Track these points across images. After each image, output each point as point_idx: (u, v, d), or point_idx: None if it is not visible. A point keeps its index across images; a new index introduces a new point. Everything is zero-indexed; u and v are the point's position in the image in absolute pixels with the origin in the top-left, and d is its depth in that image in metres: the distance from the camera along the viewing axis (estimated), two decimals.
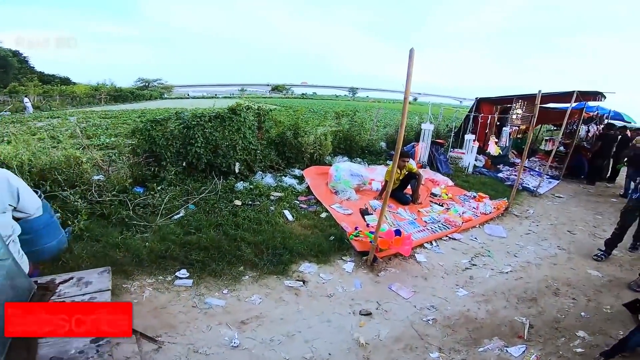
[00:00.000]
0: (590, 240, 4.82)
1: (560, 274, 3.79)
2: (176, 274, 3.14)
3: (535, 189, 6.90)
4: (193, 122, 5.32)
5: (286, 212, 4.58)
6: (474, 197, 5.92)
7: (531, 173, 8.53)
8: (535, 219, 5.53)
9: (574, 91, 6.26)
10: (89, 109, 24.84)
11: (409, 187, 5.49)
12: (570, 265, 4.03)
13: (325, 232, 4.18)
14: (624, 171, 9.44)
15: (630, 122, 13.28)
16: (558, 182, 8.04)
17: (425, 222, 4.75)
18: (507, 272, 3.75)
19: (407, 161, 5.16)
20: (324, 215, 4.67)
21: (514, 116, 7.25)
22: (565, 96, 6.65)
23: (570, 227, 5.31)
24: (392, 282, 3.40)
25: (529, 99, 7.25)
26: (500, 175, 7.82)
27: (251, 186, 5.20)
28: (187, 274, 3.14)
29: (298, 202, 4.99)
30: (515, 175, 7.82)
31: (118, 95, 37.41)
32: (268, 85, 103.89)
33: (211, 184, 5.14)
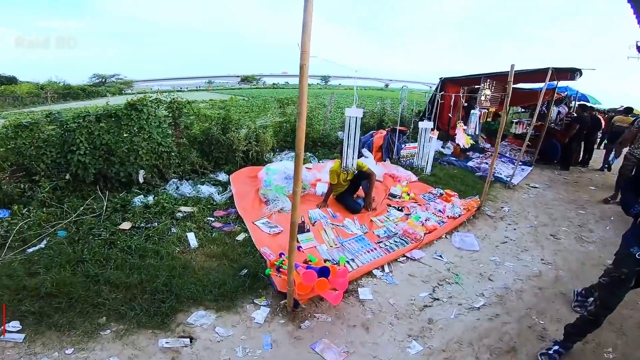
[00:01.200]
0: (578, 247, 3.96)
1: (547, 305, 2.86)
2: (6, 326, 2.26)
3: (508, 179, 6.04)
4: (73, 125, 4.02)
5: (190, 236, 3.42)
6: (441, 194, 4.96)
7: (502, 159, 7.73)
8: (512, 220, 4.64)
9: (548, 68, 5.39)
10: (28, 110, 22.43)
11: (361, 188, 4.46)
12: (559, 288, 3.12)
13: (238, 262, 3.07)
14: (596, 153, 8.95)
15: (595, 104, 12.96)
16: (531, 168, 7.28)
17: (378, 236, 3.73)
18: (478, 308, 2.78)
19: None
20: (241, 237, 3.53)
21: (483, 97, 6.32)
22: (538, 74, 5.77)
23: (552, 228, 4.44)
24: (317, 338, 2.35)
25: (498, 77, 6.34)
26: (470, 164, 6.94)
27: (153, 201, 3.97)
28: (20, 327, 2.28)
29: (212, 220, 3.83)
30: (487, 164, 7.01)
31: (67, 93, 34.39)
32: (237, 76, 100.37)
33: (100, 201, 3.90)
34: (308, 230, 3.68)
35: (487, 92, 6.47)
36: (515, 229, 4.37)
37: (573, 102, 11.01)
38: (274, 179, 4.20)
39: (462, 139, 5.78)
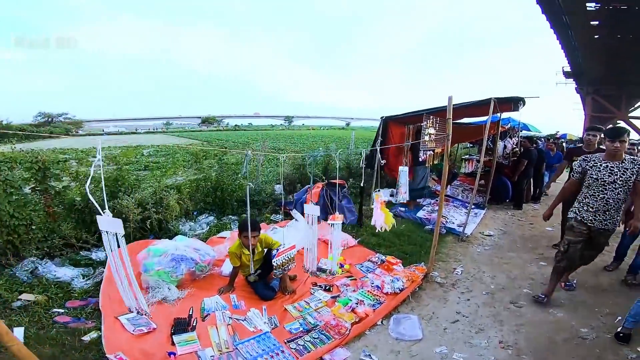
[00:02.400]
0: (544, 317, 3.20)
1: None
2: None
3: (461, 231, 5.38)
4: None
5: (17, 332, 2.34)
6: (382, 262, 4.11)
7: (455, 204, 7.20)
8: (465, 286, 3.85)
9: (490, 99, 4.98)
10: None
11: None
12: None
13: None
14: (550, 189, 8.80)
15: (536, 132, 13.30)
16: (484, 211, 6.76)
17: (290, 332, 2.75)
18: None
19: (256, 236, 3.16)
20: (90, 336, 2.48)
21: (427, 137, 5.80)
22: (481, 106, 5.34)
23: (512, 293, 3.70)
24: None
25: (441, 113, 5.90)
26: (420, 214, 6.25)
27: None
28: None
29: (60, 312, 2.76)
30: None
31: (2, 134, 31.56)
32: (198, 117, 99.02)
33: None
34: (192, 329, 2.64)
35: (431, 130, 5.99)
36: (468, 300, 3.57)
37: (517, 134, 11.14)
38: (157, 262, 3.15)
39: (381, 219, 4.04)
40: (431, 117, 5.83)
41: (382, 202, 3.99)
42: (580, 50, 25.63)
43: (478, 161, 9.40)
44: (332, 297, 3.29)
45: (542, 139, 13.36)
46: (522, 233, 5.68)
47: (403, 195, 4.62)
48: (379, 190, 4.09)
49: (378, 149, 6.28)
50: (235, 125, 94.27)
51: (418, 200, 6.97)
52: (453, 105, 4.91)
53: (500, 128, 7.34)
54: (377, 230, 4.15)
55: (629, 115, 33.58)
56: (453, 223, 5.85)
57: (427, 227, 5.51)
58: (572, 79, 34.92)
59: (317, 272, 3.77)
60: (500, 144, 8.98)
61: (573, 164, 4.21)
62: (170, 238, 3.92)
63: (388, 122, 6.69)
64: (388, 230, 4.07)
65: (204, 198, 5.37)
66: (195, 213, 5.18)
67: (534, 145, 7.88)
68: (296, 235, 4.31)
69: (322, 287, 3.47)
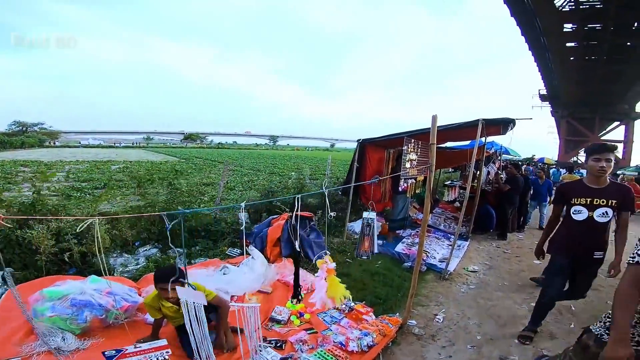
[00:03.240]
0: None
1: None
2: None
3: (443, 267, 4.80)
4: None
5: None
6: (350, 310, 3.46)
7: (436, 235, 6.67)
8: (447, 337, 3.24)
9: (478, 120, 4.53)
10: None
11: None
12: None
13: None
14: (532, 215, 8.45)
15: (516, 157, 13.14)
16: (468, 244, 6.25)
17: None
18: None
19: (173, 288, 2.46)
20: None
21: (407, 164, 5.30)
22: (467, 128, 4.88)
23: (502, 344, 3.13)
24: None
25: (423, 136, 5.43)
26: (398, 248, 5.65)
27: None
28: None
29: None
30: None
31: None
32: (181, 133, 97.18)
33: None
34: None
35: (413, 156, 5.50)
36: (450, 357, 2.95)
37: (499, 158, 10.84)
38: (50, 307, 2.42)
39: (322, 291, 3.03)
40: (412, 140, 5.36)
41: (330, 270, 3.15)
42: (557, 73, 26.41)
43: (462, 188, 9.04)
44: (282, 359, 2.60)
45: (531, 165, 13.26)
46: (509, 267, 5.17)
47: (368, 246, 3.95)
48: (325, 254, 3.31)
49: (353, 177, 5.76)
50: (219, 143, 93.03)
51: (398, 231, 6.41)
52: (437, 127, 4.47)
53: (485, 153, 6.98)
54: (362, 259, 3.51)
55: (602, 138, 34.50)
56: (434, 258, 5.29)
57: (405, 264, 4.90)
58: (547, 102, 35.99)
59: (270, 324, 3.08)
60: (484, 170, 8.63)
61: None
62: (97, 273, 3.18)
63: (365, 146, 6.19)
64: (333, 306, 3.32)
65: (149, 227, 4.63)
66: (137, 244, 4.44)
67: (519, 171, 7.55)
68: (249, 276, 3.65)
69: (272, 344, 2.78)
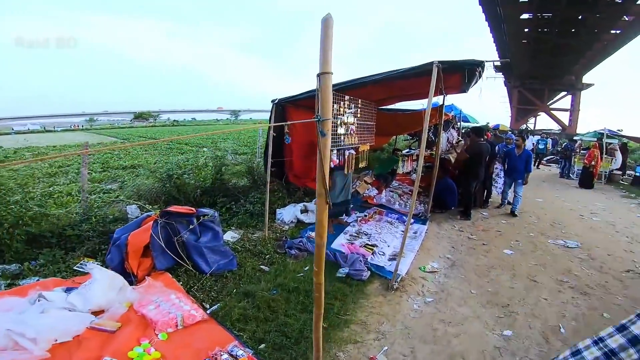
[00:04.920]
0: None
1: None
2: None
3: (392, 270, 3.50)
4: None
5: None
6: None
7: (389, 218, 5.40)
8: None
9: (432, 63, 3.02)
10: None
11: None
12: None
13: None
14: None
15: (475, 124, 12.25)
16: (426, 228, 5.04)
17: None
18: None
19: None
20: None
21: (341, 129, 3.83)
22: (419, 78, 3.32)
23: None
24: None
25: (361, 91, 3.94)
26: (337, 244, 4.23)
27: None
28: None
29: None
30: (366, 235, 4.49)
31: None
32: (131, 112, 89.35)
33: None
34: None
35: (350, 119, 4.02)
36: None
37: (460, 124, 9.73)
38: None
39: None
40: (347, 98, 3.87)
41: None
42: (511, 44, 26.37)
43: (416, 160, 7.83)
44: None
45: (511, 133, 12.44)
46: (476, 263, 3.99)
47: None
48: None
49: (270, 150, 4.22)
50: (174, 120, 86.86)
51: (342, 218, 5.03)
52: (378, 75, 3.02)
53: (443, 116, 5.69)
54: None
55: (550, 107, 36.51)
56: (383, 254, 3.98)
57: (341, 270, 3.50)
58: (501, 73, 36.97)
59: None
60: (443, 136, 7.41)
61: None
62: None
63: (287, 109, 4.60)
64: None
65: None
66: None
67: (484, 139, 6.35)
68: (61, 315, 2.11)
69: None
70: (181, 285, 3.14)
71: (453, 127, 8.11)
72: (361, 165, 4.47)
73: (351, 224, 4.96)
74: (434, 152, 7.61)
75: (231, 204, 5.04)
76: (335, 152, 3.85)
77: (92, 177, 7.39)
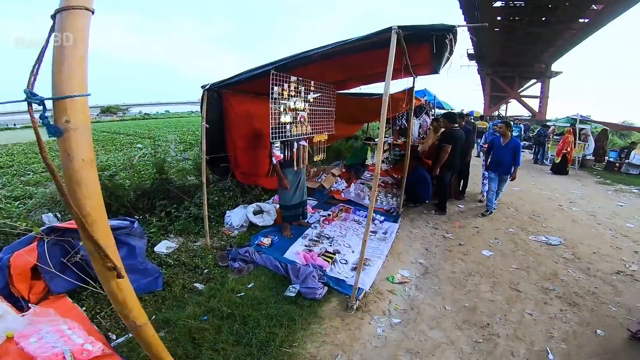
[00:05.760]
0: None
1: None
2: None
3: (352, 285, 2.92)
4: None
5: None
6: None
7: (356, 215, 4.82)
8: None
9: (390, 28, 2.37)
10: None
11: None
12: None
13: None
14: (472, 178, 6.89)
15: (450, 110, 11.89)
16: (397, 227, 4.50)
17: None
18: None
19: None
20: None
21: (286, 117, 3.16)
22: (377, 48, 2.55)
23: None
24: None
25: (313, 67, 3.20)
26: (291, 253, 3.60)
27: None
28: None
29: None
30: (327, 239, 3.87)
31: None
32: (98, 107, 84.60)
33: None
34: None
35: (298, 103, 3.36)
36: None
37: (434, 111, 9.25)
38: None
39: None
40: (292, 78, 3.18)
41: None
42: (484, 33, 26.50)
43: (394, 145, 7.27)
44: None
45: (498, 119, 11.96)
46: (452, 269, 3.47)
47: None
48: None
49: (204, 144, 3.51)
50: (145, 113, 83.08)
51: (306, 220, 4.40)
52: (327, 46, 2.43)
53: (415, 101, 5.14)
54: None
55: (521, 94, 37.92)
56: (345, 263, 3.39)
57: (292, 287, 2.88)
58: (474, 61, 37.98)
59: None
60: (414, 122, 6.89)
61: None
62: None
63: (223, 96, 3.81)
64: None
65: None
66: None
67: (454, 124, 5.76)
68: None
69: None
70: (84, 310, 2.47)
71: (426, 114, 7.62)
72: (317, 158, 3.84)
73: (312, 225, 4.35)
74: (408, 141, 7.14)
75: (172, 208, 4.30)
76: (278, 145, 3.20)
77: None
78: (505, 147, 5.00)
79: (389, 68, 2.26)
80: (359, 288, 2.88)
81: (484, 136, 6.42)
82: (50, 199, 4.03)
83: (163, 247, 3.54)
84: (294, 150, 3.36)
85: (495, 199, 5.36)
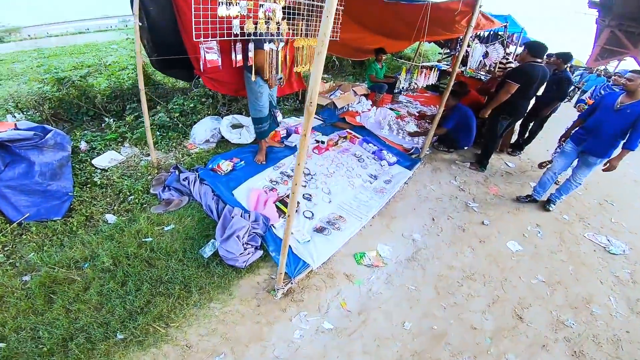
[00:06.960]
0: None
1: None
2: None
3: (301, 258, 2.13)
4: None
5: None
6: None
7: (362, 147, 3.79)
8: None
9: None
10: None
11: None
12: None
13: None
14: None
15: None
16: (410, 174, 3.46)
17: None
18: None
19: None
20: None
21: (230, 10, 2.03)
22: None
23: None
24: None
25: None
26: (247, 191, 2.84)
27: None
28: None
29: None
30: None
31: None
32: None
33: None
34: None
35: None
36: None
37: (515, 47, 6.86)
38: None
39: None
40: None
41: None
42: None
43: (442, 71, 5.67)
44: None
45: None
46: (450, 263, 2.51)
47: None
48: None
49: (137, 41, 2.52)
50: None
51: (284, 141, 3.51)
52: None
53: (486, 21, 3.52)
54: None
55: None
56: (310, 217, 2.58)
57: (210, 244, 2.14)
58: (596, 9, 30.68)
59: None
60: (477, 49, 5.19)
61: None
62: None
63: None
64: None
65: None
66: None
67: (546, 61, 3.98)
68: None
69: None
70: None
71: (501, 43, 5.59)
72: (298, 69, 2.71)
73: (295, 154, 3.43)
74: (468, 71, 5.47)
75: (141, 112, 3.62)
76: (214, 45, 2.14)
77: None
78: (618, 113, 2.76)
79: None
80: (302, 263, 2.10)
81: (592, 89, 4.50)
82: (8, 100, 3.62)
83: (106, 159, 2.96)
84: (274, 50, 2.29)
85: (561, 195, 3.34)
